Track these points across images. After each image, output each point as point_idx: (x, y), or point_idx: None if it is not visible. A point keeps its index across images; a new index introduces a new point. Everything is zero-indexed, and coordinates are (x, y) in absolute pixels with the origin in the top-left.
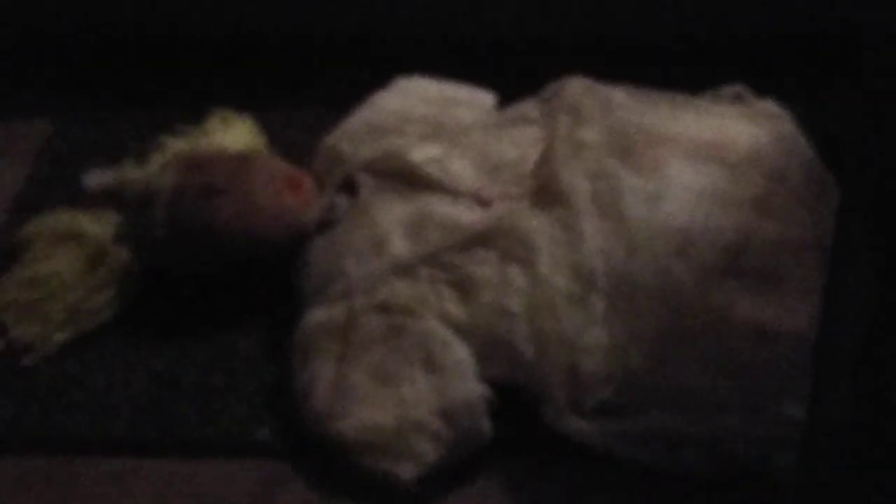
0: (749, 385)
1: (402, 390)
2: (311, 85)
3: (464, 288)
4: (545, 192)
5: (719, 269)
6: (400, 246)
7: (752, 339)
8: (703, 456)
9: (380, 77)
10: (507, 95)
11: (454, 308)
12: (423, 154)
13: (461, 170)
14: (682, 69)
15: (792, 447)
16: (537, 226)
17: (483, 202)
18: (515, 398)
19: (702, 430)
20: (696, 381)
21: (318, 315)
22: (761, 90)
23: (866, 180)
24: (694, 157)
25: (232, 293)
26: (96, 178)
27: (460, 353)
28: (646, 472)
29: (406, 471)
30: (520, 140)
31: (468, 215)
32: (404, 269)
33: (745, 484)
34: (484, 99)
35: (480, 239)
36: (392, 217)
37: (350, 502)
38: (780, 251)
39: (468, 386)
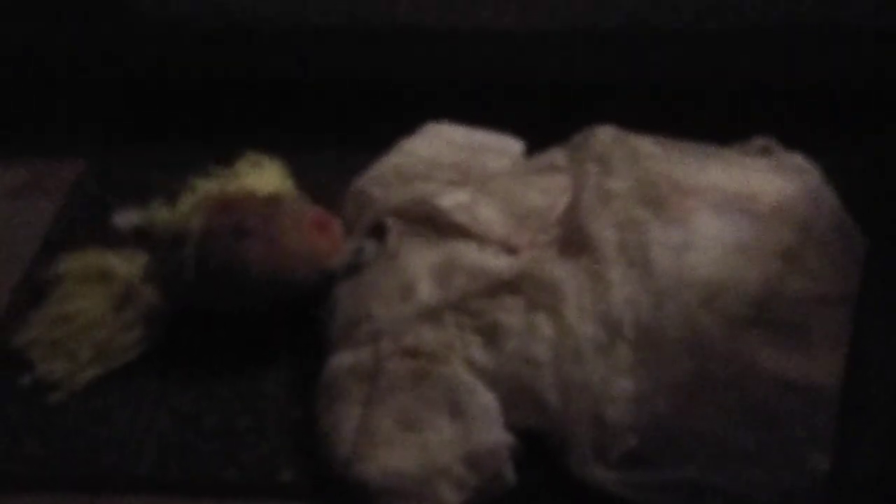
0: (774, 436)
1: (427, 436)
2: (340, 129)
3: (490, 335)
4: (572, 240)
5: (746, 320)
6: (427, 291)
7: (778, 390)
8: None
9: (409, 123)
10: (536, 143)
11: (480, 355)
12: (451, 200)
13: (489, 216)
14: (712, 117)
15: (816, 500)
16: (564, 274)
17: (511, 249)
18: (540, 446)
19: (726, 480)
20: (722, 432)
21: (345, 358)
22: (789, 142)
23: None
24: (721, 208)
25: (259, 334)
26: (126, 218)
27: (486, 400)
28: None
29: None
30: (548, 188)
31: (496, 262)
32: (431, 315)
33: None
34: (512, 146)
35: (507, 286)
36: (420, 262)
37: None
38: (806, 304)
39: (493, 433)
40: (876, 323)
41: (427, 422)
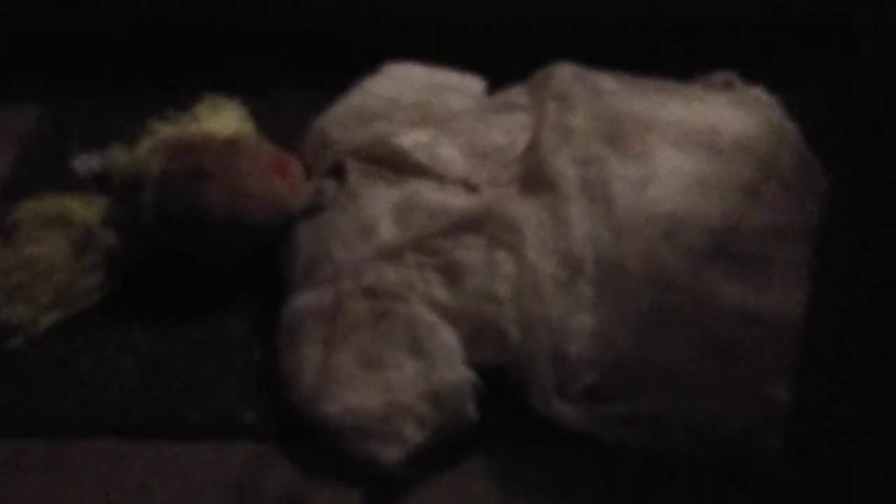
0: (735, 369)
1: (389, 374)
2: (299, 71)
3: (451, 273)
4: (533, 178)
5: (706, 253)
6: (387, 231)
7: (739, 323)
8: (689, 440)
9: (369, 63)
10: (496, 81)
11: (441, 293)
12: (411, 140)
13: (450, 155)
14: (673, 53)
15: (778, 430)
16: (525, 212)
17: (471, 188)
18: (502, 383)
19: (688, 413)
20: (683, 365)
21: (305, 299)
22: (751, 77)
23: (855, 167)
24: (682, 143)
25: (219, 277)
26: (85, 163)
27: (447, 338)
28: (632, 456)
29: (391, 454)
30: (508, 126)
31: (456, 201)
32: (391, 254)
33: (731, 467)
34: (473, 85)
35: (468, 224)
36: (380, 202)
37: (335, 485)
38: (767, 237)
39: (455, 370)
40: (836, 257)
41: (388, 360)
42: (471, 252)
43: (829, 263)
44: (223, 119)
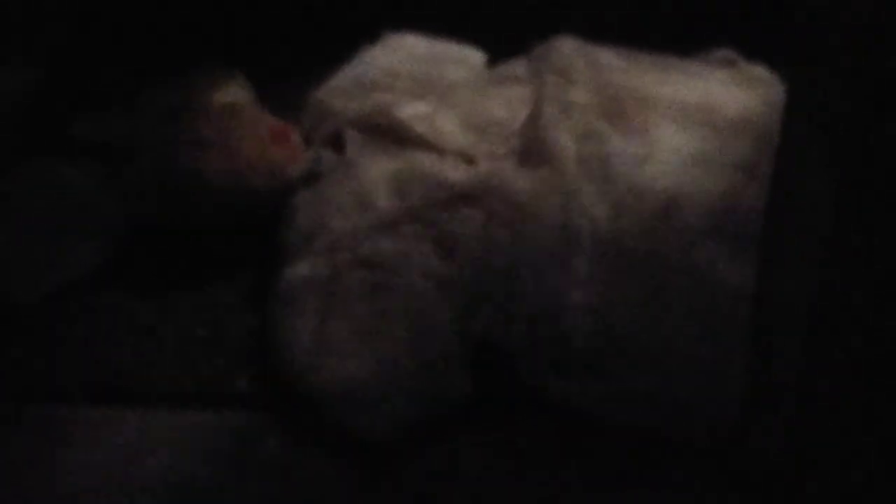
0: (728, 348)
1: (383, 346)
2: (299, 40)
3: (447, 245)
4: (532, 151)
5: (704, 232)
6: (385, 202)
7: (735, 302)
8: (682, 418)
9: (369, 33)
10: (497, 53)
11: (437, 265)
12: (410, 111)
13: (448, 127)
14: (675, 27)
15: (771, 411)
16: (523, 185)
17: (470, 160)
18: (497, 357)
19: (683, 392)
20: (678, 344)
21: (301, 269)
22: (752, 55)
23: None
24: (682, 120)
25: (217, 245)
26: (83, 129)
27: (441, 310)
28: (625, 432)
29: (382, 426)
30: (508, 99)
31: (454, 173)
32: (388, 225)
33: (725, 447)
34: (473, 56)
35: (466, 197)
36: (377, 173)
37: (326, 455)
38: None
39: (448, 342)
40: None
41: (383, 332)
42: (467, 224)
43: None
44: (222, 87)
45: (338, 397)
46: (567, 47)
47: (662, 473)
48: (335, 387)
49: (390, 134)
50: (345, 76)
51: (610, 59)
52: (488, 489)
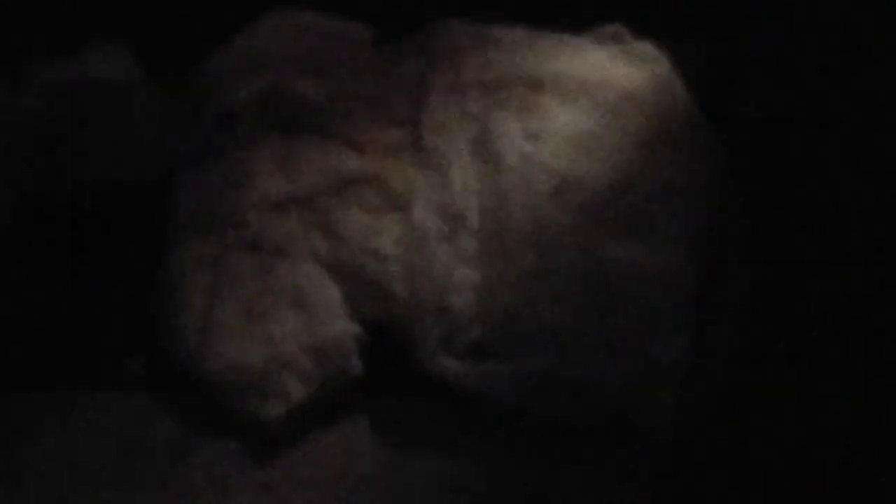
0: (620, 327)
1: (271, 328)
2: (189, 16)
3: (334, 230)
4: (420, 133)
5: (593, 211)
6: (273, 185)
7: (626, 280)
8: (572, 398)
9: (258, 8)
10: (385, 32)
11: (324, 248)
12: (300, 91)
13: (341, 109)
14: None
15: (658, 390)
16: (412, 168)
17: (360, 146)
18: (387, 338)
19: (574, 371)
20: (569, 323)
21: (189, 249)
22: (640, 31)
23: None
24: (572, 97)
25: (105, 228)
26: None
27: (330, 293)
28: (516, 413)
29: (273, 410)
30: (397, 81)
31: (344, 159)
32: (276, 208)
33: (613, 426)
34: (361, 33)
35: (354, 182)
36: (266, 154)
37: (217, 439)
38: (655, 194)
39: (337, 324)
40: (733, 214)
41: (271, 314)
42: (355, 210)
43: (725, 221)
44: (111, 63)
45: (227, 382)
46: (456, 28)
47: (553, 452)
48: (224, 372)
49: (280, 114)
50: (235, 52)
51: (499, 37)
52: (380, 470)
